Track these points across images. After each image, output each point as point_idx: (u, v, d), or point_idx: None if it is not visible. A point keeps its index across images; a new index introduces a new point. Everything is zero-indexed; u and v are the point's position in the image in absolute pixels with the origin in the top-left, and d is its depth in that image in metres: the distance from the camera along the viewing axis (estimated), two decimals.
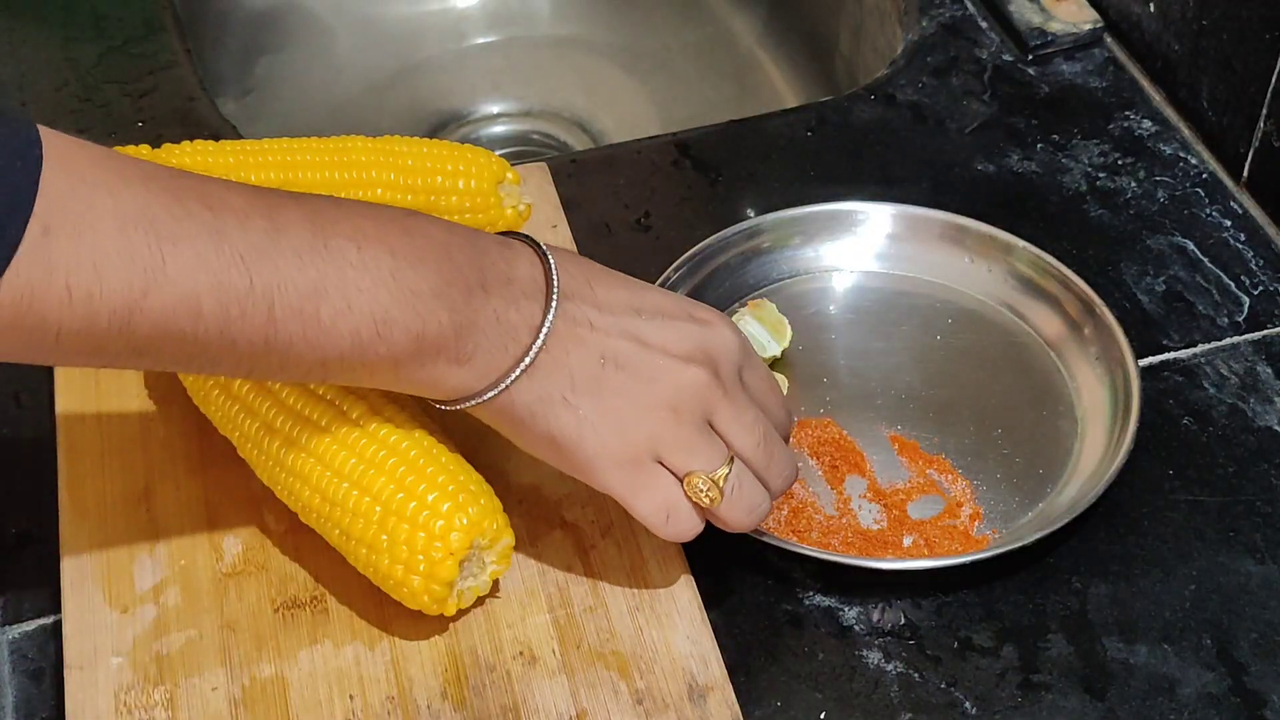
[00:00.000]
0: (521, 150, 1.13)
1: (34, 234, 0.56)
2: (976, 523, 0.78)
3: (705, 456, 0.69)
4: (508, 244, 0.70)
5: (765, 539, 0.75)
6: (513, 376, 0.67)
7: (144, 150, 0.83)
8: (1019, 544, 0.75)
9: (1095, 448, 0.81)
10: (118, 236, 0.59)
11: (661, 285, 0.86)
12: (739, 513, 0.71)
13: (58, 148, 0.58)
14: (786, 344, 0.86)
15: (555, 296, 0.68)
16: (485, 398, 0.68)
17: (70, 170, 0.58)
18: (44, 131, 0.59)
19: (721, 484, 0.70)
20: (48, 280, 0.57)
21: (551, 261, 0.69)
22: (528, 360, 0.67)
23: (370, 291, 0.64)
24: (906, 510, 0.79)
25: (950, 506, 0.79)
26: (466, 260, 0.67)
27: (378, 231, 0.65)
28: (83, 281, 0.58)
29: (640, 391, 0.69)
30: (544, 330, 0.67)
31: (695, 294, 0.87)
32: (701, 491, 0.69)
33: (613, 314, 0.69)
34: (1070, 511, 0.76)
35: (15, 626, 0.75)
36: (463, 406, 0.69)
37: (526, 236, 0.71)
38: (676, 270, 0.88)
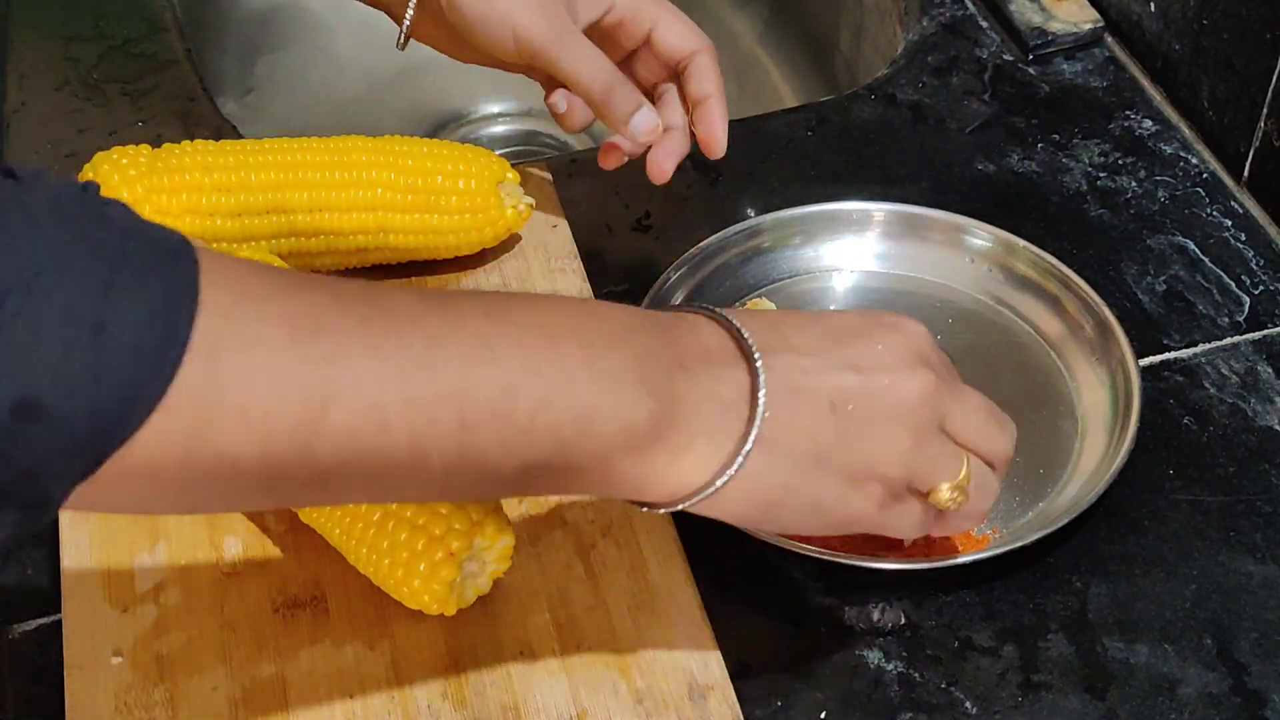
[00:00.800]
0: (521, 150, 1.13)
1: (200, 351, 0.50)
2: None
3: (949, 468, 0.66)
4: (683, 316, 0.64)
5: (768, 539, 0.75)
6: (744, 453, 0.61)
7: (144, 150, 0.83)
8: (1019, 544, 0.75)
9: (1096, 447, 0.81)
10: (290, 348, 0.53)
11: (661, 286, 0.86)
12: (980, 507, 0.68)
13: (212, 260, 0.52)
14: None
15: (757, 356, 0.61)
16: (717, 486, 0.61)
17: (230, 282, 0.52)
18: (196, 245, 0.52)
19: (966, 486, 0.66)
20: (219, 401, 0.51)
21: (736, 323, 0.63)
22: (754, 432, 0.61)
23: (565, 384, 0.58)
24: None
25: None
26: (655, 341, 0.61)
27: (562, 318, 0.60)
28: (258, 400, 0.52)
29: (882, 426, 0.63)
30: (761, 395, 0.61)
31: (695, 294, 0.87)
32: (949, 501, 0.66)
33: (818, 354, 0.63)
34: (1071, 511, 0.76)
35: (15, 626, 0.75)
36: (694, 503, 0.62)
37: (695, 306, 0.65)
38: (677, 270, 0.88)
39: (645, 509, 0.64)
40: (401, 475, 0.56)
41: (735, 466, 0.61)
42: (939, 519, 0.68)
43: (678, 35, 0.85)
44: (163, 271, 0.50)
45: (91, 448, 0.49)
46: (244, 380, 0.52)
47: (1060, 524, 0.76)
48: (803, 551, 0.75)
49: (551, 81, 0.88)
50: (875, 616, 0.75)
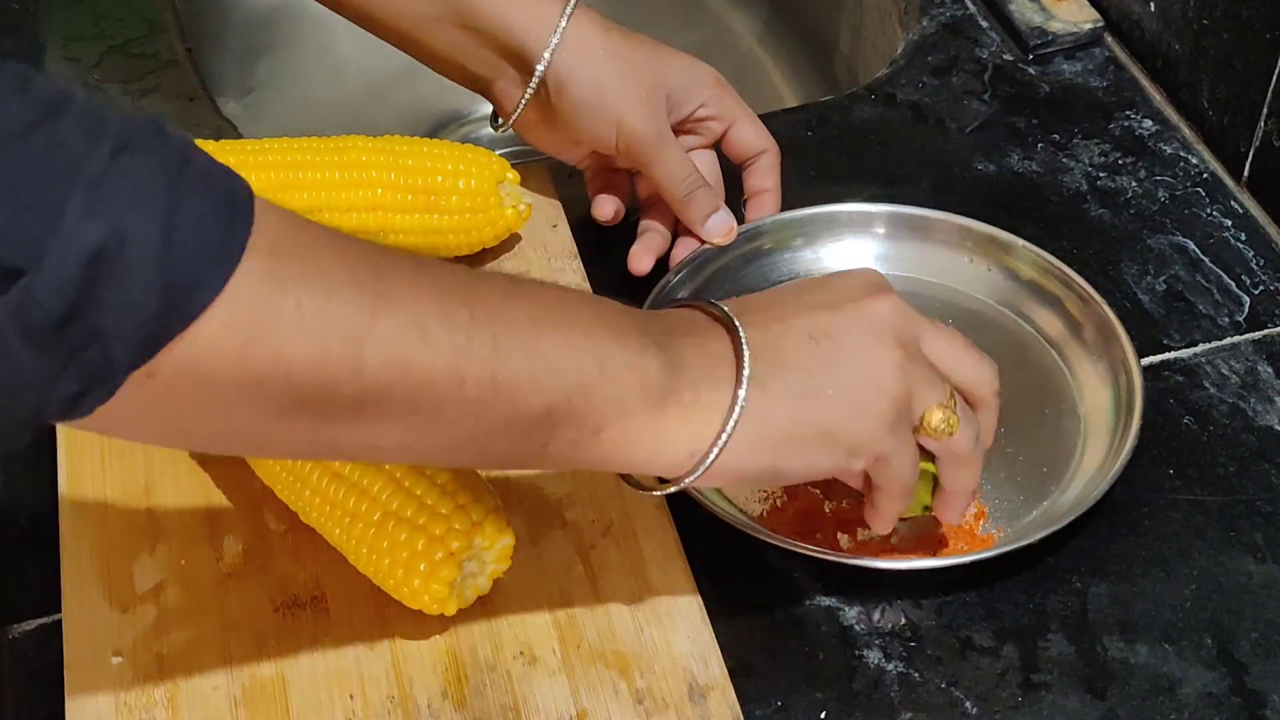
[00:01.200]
0: (521, 150, 1.12)
1: (260, 248, 0.53)
2: (981, 521, 0.78)
3: (936, 386, 0.69)
4: (657, 309, 0.71)
5: (768, 539, 0.75)
6: (741, 398, 0.65)
7: None
8: (1023, 543, 0.75)
9: (1098, 446, 0.81)
10: (340, 263, 0.56)
11: (662, 287, 0.87)
12: (971, 438, 0.70)
13: (259, 195, 0.55)
14: None
15: (730, 315, 0.67)
16: (728, 431, 0.65)
17: (277, 209, 0.56)
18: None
19: (954, 409, 0.69)
20: (279, 296, 0.54)
21: (702, 300, 0.69)
22: (746, 372, 0.65)
23: (582, 330, 0.63)
24: None
25: None
26: (644, 315, 0.67)
27: (566, 291, 0.67)
28: (314, 300, 0.55)
29: (866, 344, 0.67)
30: (744, 344, 0.65)
31: (696, 296, 0.87)
32: (942, 423, 0.68)
33: (786, 304, 0.69)
34: (1074, 510, 0.76)
35: (15, 626, 0.75)
36: (712, 462, 0.65)
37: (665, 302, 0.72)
38: (677, 273, 0.88)
39: (674, 487, 0.67)
40: (438, 402, 0.59)
41: (738, 408, 0.65)
42: (942, 466, 0.71)
43: (753, 135, 0.92)
44: (223, 179, 0.53)
45: (159, 319, 0.51)
46: (300, 280, 0.54)
47: (1064, 523, 0.76)
48: (803, 551, 0.75)
49: (601, 166, 0.93)
50: (875, 616, 0.75)
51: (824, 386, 0.67)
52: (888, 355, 0.67)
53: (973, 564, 0.75)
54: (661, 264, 0.89)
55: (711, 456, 0.65)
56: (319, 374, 0.55)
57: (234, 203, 0.53)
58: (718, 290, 0.88)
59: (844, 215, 0.92)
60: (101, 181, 0.50)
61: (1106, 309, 0.85)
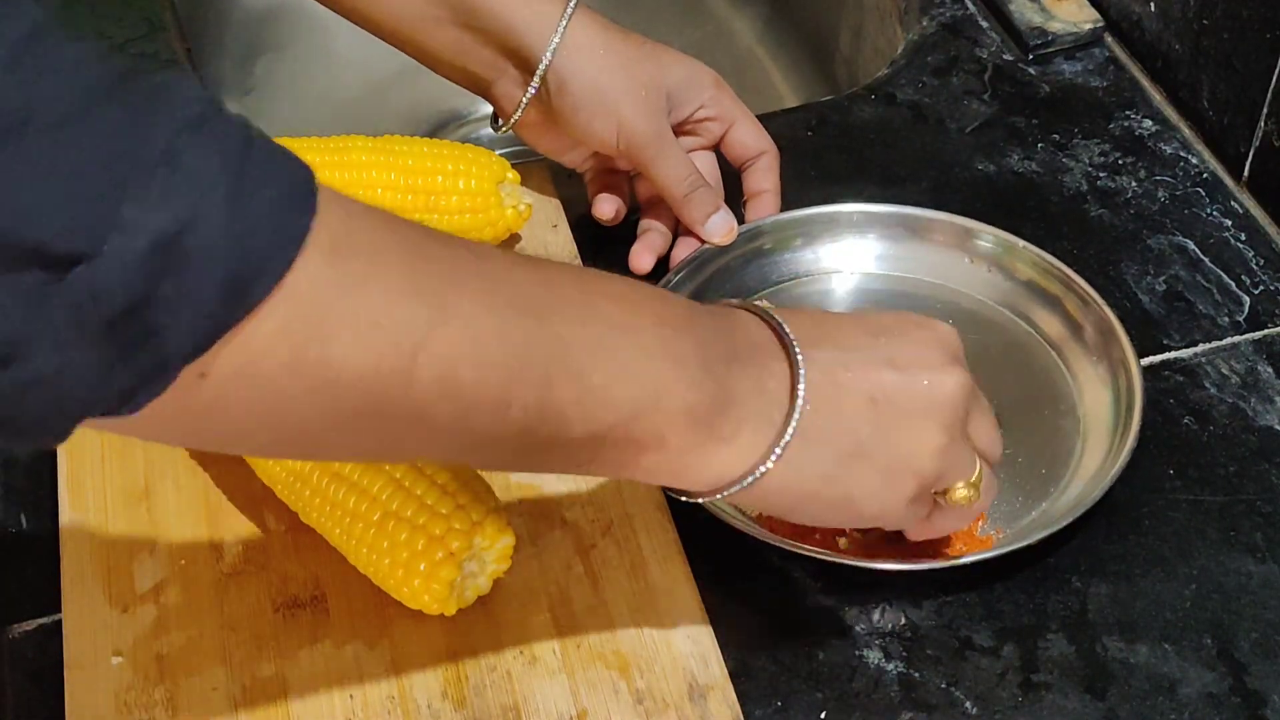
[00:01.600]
0: (521, 150, 1.12)
1: (320, 246, 0.50)
2: (980, 523, 0.78)
3: (970, 467, 0.68)
4: (730, 311, 0.66)
5: (768, 539, 0.75)
6: (783, 443, 0.63)
7: None
8: (1023, 543, 0.75)
9: (1098, 447, 0.81)
10: (404, 263, 0.54)
11: (662, 288, 0.86)
12: (985, 506, 0.72)
13: (324, 184, 0.52)
14: None
15: (797, 350, 0.64)
16: (758, 474, 0.63)
17: (342, 201, 0.53)
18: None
19: (979, 485, 0.69)
20: (335, 299, 0.52)
21: (777, 318, 0.65)
22: (793, 424, 0.63)
23: (643, 356, 0.60)
24: None
25: None
26: (712, 329, 0.64)
27: (640, 297, 0.62)
28: (371, 309, 0.53)
29: (920, 423, 0.66)
30: (801, 389, 0.63)
31: (696, 296, 0.87)
32: (964, 498, 0.68)
33: (858, 349, 0.66)
34: (1073, 511, 0.76)
35: (15, 626, 0.75)
36: (733, 493, 0.64)
37: (742, 300, 0.67)
38: (678, 273, 0.88)
39: (685, 499, 0.66)
40: (483, 423, 0.57)
41: (774, 457, 0.63)
42: (939, 514, 0.70)
43: (752, 136, 0.92)
44: (286, 162, 0.51)
45: (218, 311, 0.49)
46: (359, 286, 0.52)
47: (1063, 524, 0.76)
48: (803, 551, 0.75)
49: (600, 168, 0.93)
50: (875, 616, 0.75)
51: (867, 453, 0.65)
52: (935, 438, 0.66)
53: (974, 564, 0.75)
54: (662, 263, 0.89)
55: (733, 490, 0.64)
56: (368, 388, 0.54)
57: (297, 189, 0.51)
58: (718, 290, 0.88)
59: (844, 215, 0.92)
60: (166, 164, 0.47)
61: (1106, 310, 0.85)
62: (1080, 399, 0.84)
